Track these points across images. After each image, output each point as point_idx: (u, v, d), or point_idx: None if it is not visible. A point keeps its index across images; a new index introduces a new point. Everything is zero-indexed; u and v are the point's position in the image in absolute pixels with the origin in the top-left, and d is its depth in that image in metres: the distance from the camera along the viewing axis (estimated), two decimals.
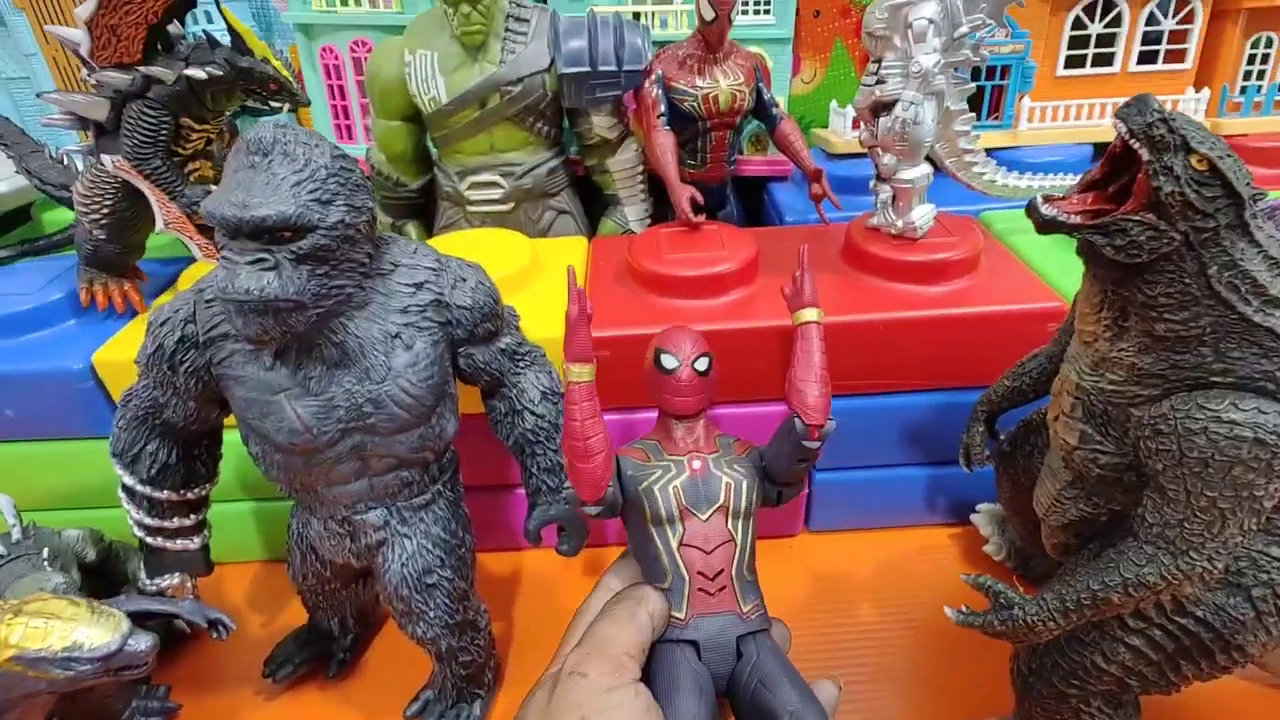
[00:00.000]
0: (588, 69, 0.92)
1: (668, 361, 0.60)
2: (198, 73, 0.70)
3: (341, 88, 1.09)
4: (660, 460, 0.60)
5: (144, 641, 0.51)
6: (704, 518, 0.58)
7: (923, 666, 0.78)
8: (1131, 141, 0.42)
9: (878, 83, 0.76)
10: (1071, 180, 0.93)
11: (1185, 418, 0.46)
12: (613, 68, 0.93)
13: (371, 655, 0.83)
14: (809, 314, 0.64)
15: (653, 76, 0.94)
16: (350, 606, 0.79)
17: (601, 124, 1.00)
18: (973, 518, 0.90)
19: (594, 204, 1.10)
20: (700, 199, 0.89)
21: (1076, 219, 0.44)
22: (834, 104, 1.17)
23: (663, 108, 0.94)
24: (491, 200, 0.99)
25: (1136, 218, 0.43)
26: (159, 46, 0.71)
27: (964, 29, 0.71)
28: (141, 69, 0.70)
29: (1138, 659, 0.55)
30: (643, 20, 1.03)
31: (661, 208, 1.11)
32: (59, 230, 1.02)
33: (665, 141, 0.92)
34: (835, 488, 0.91)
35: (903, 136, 0.75)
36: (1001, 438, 0.75)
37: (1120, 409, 0.50)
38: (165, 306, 0.58)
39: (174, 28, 0.72)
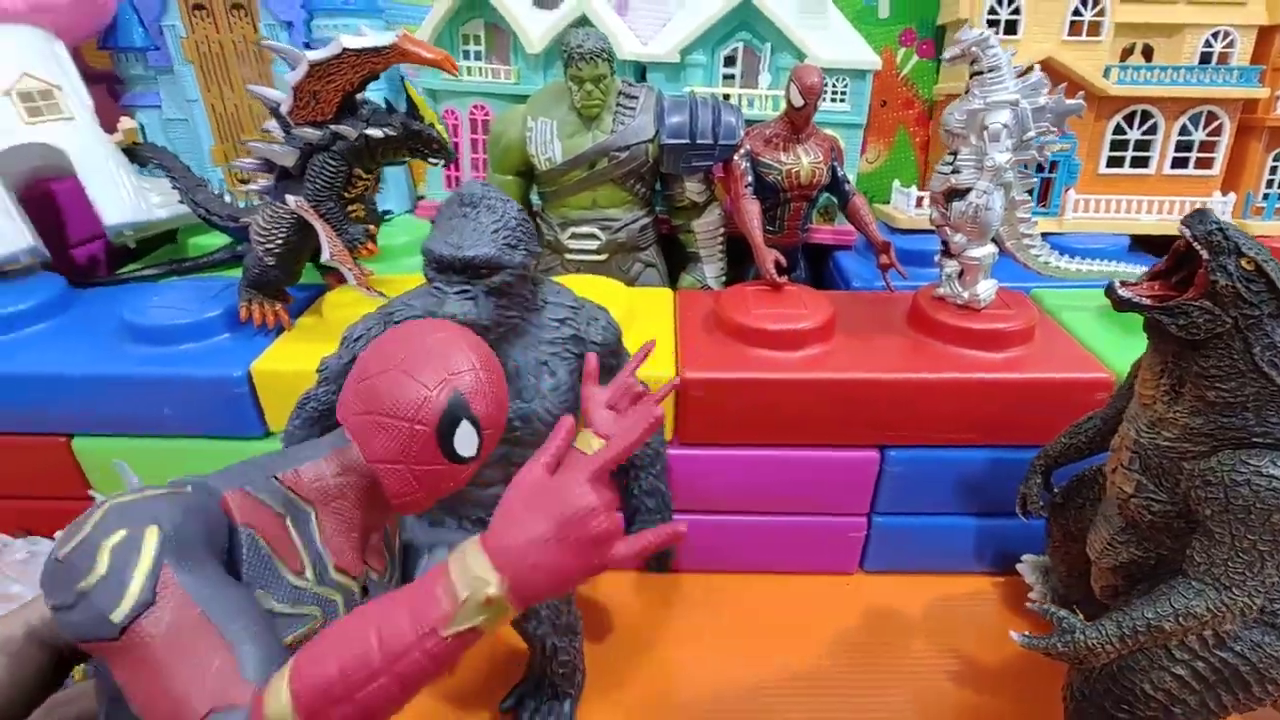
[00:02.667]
0: (687, 141, 1.05)
1: (465, 444, 0.43)
2: (376, 132, 0.83)
3: (457, 144, 1.22)
4: (323, 580, 0.42)
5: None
6: None
7: (966, 700, 0.84)
8: (1194, 244, 0.53)
9: (953, 172, 0.88)
10: (1114, 266, 1.04)
11: (1231, 471, 0.55)
12: (709, 141, 1.05)
13: (466, 655, 0.90)
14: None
15: (742, 150, 1.07)
16: None
17: (693, 189, 1.12)
18: (1018, 566, 0.97)
19: (674, 260, 1.22)
20: (784, 262, 1.00)
21: (1148, 301, 0.55)
22: (897, 184, 1.30)
23: (749, 178, 1.06)
24: (588, 250, 1.11)
25: (1197, 304, 0.53)
26: (345, 108, 0.84)
27: (1032, 134, 0.83)
28: (331, 126, 0.82)
29: (1182, 688, 0.62)
30: (732, 101, 1.16)
31: (734, 268, 1.23)
32: (204, 254, 1.14)
33: (752, 209, 1.04)
34: (892, 531, 0.99)
35: (974, 219, 0.86)
36: (1055, 491, 0.84)
37: (1173, 462, 0.59)
38: (358, 325, 0.69)
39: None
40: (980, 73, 0.83)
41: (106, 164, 1.02)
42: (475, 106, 1.22)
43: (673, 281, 1.20)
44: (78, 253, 1.18)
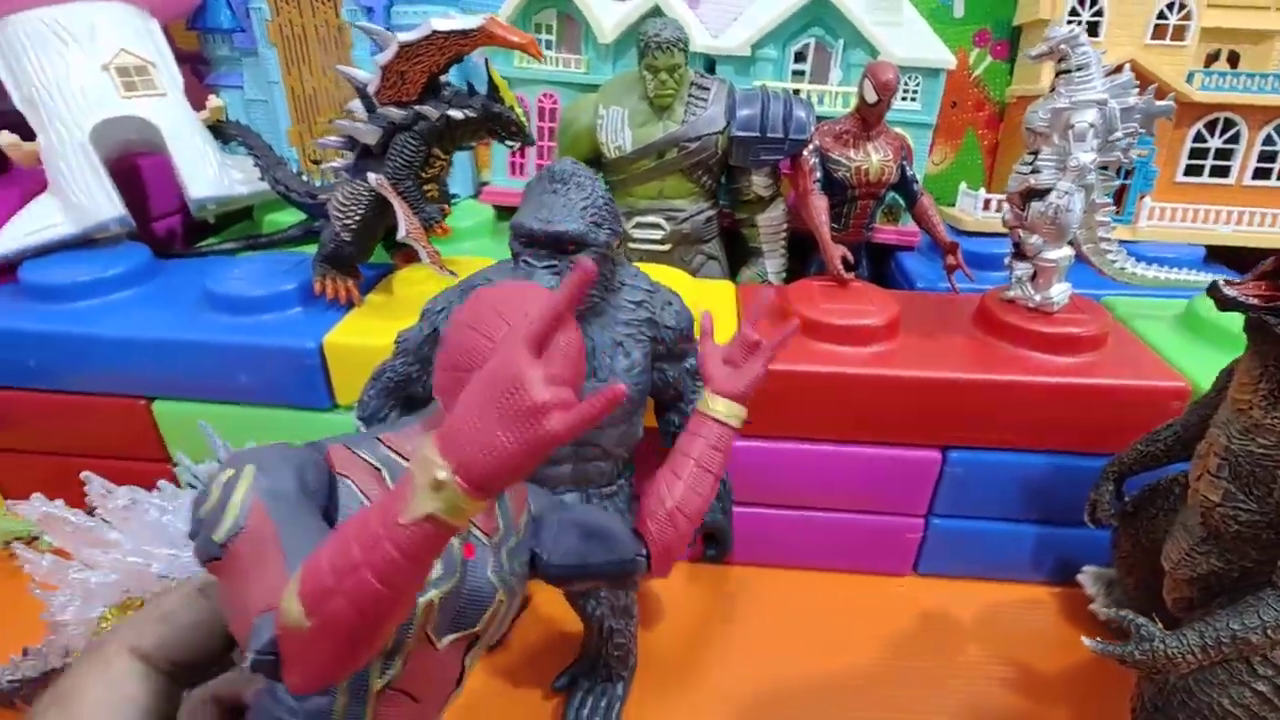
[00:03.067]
0: (757, 134, 1.05)
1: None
2: (457, 114, 0.85)
3: None
4: None
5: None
6: (440, 645, 0.42)
7: (1021, 709, 0.83)
8: None
9: (1033, 171, 0.86)
10: (1192, 275, 1.01)
11: None
12: (779, 135, 1.05)
13: (520, 634, 0.91)
14: (724, 408, 0.52)
15: (811, 146, 1.06)
16: None
17: (759, 183, 1.12)
18: (1079, 577, 0.95)
19: (734, 254, 1.22)
20: (851, 258, 1.00)
21: (1255, 300, 0.53)
22: (964, 186, 1.28)
23: (818, 174, 1.06)
24: (653, 240, 1.11)
25: None
26: (429, 90, 0.86)
27: (1118, 135, 0.81)
28: (415, 107, 0.84)
29: (1262, 704, 0.60)
30: (801, 96, 1.15)
31: (795, 264, 1.22)
32: (278, 231, 1.18)
33: (820, 204, 1.04)
34: (949, 534, 0.98)
35: (1053, 221, 0.85)
36: (1126, 499, 0.82)
37: (1267, 470, 0.58)
38: (439, 298, 0.71)
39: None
40: (1068, 71, 0.81)
41: (195, 140, 1.06)
42: (544, 94, 1.23)
43: (733, 275, 1.20)
44: (157, 226, 1.23)
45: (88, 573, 0.61)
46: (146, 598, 0.61)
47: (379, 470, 0.43)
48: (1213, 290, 0.54)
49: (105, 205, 1.00)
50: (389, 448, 0.44)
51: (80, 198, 0.98)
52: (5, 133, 0.98)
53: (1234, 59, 1.21)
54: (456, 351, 0.44)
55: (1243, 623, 0.57)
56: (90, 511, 0.63)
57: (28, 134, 0.99)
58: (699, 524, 0.51)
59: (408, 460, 0.44)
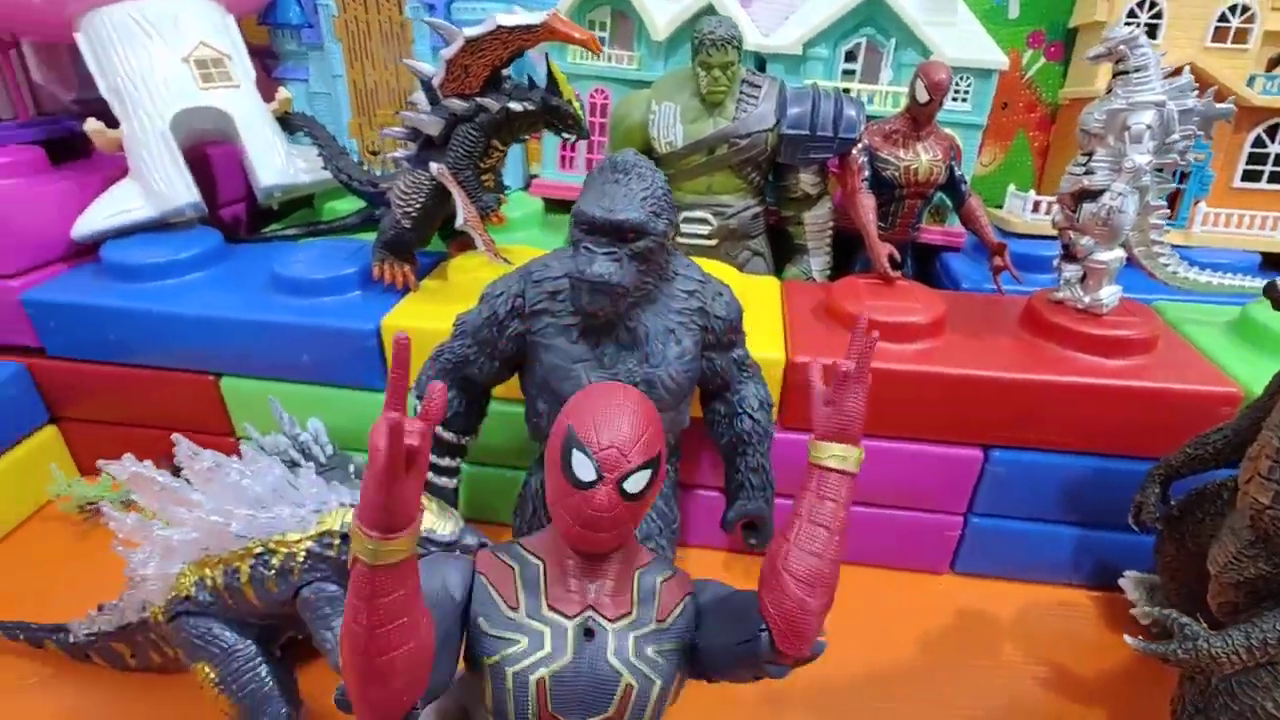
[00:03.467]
0: (807, 132, 1.06)
1: (581, 469, 0.44)
2: (517, 106, 0.88)
3: None
4: (533, 614, 0.46)
5: (471, 539, 0.64)
6: None
7: (1059, 710, 0.83)
8: None
9: (1086, 173, 0.86)
10: (1247, 281, 1.00)
11: None
12: (829, 134, 1.06)
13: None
14: (840, 453, 0.45)
15: (861, 145, 1.07)
16: None
17: (807, 180, 1.13)
18: (1121, 582, 0.94)
19: (779, 252, 1.23)
20: (898, 256, 1.01)
21: None
22: (1012, 187, 1.27)
23: (866, 173, 1.07)
24: (699, 235, 1.13)
25: None
26: (490, 83, 0.89)
27: (1176, 137, 0.81)
28: (477, 99, 0.87)
29: None
30: (852, 95, 1.16)
31: (839, 262, 1.23)
32: (337, 218, 1.22)
33: (868, 203, 1.05)
34: (988, 534, 0.98)
35: (1106, 222, 0.84)
36: (1172, 503, 0.82)
37: None
38: (499, 283, 0.73)
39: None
40: (1125, 72, 0.81)
41: (264, 130, 1.11)
42: (595, 90, 1.26)
43: (777, 272, 1.21)
44: (224, 212, 1.28)
45: (170, 530, 0.65)
46: (223, 555, 0.65)
47: (511, 568, 0.48)
48: (1270, 289, 0.54)
49: (182, 191, 1.05)
50: (524, 548, 0.50)
51: (159, 184, 1.04)
52: (92, 120, 1.03)
53: None
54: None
55: None
56: (176, 473, 0.67)
57: (110, 122, 1.05)
58: (824, 591, 0.44)
59: (539, 558, 0.49)
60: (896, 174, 1.07)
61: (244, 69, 1.11)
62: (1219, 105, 0.83)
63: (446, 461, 0.83)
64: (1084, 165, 0.87)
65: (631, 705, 0.46)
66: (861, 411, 0.45)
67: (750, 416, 0.81)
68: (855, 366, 0.45)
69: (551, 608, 0.47)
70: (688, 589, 0.50)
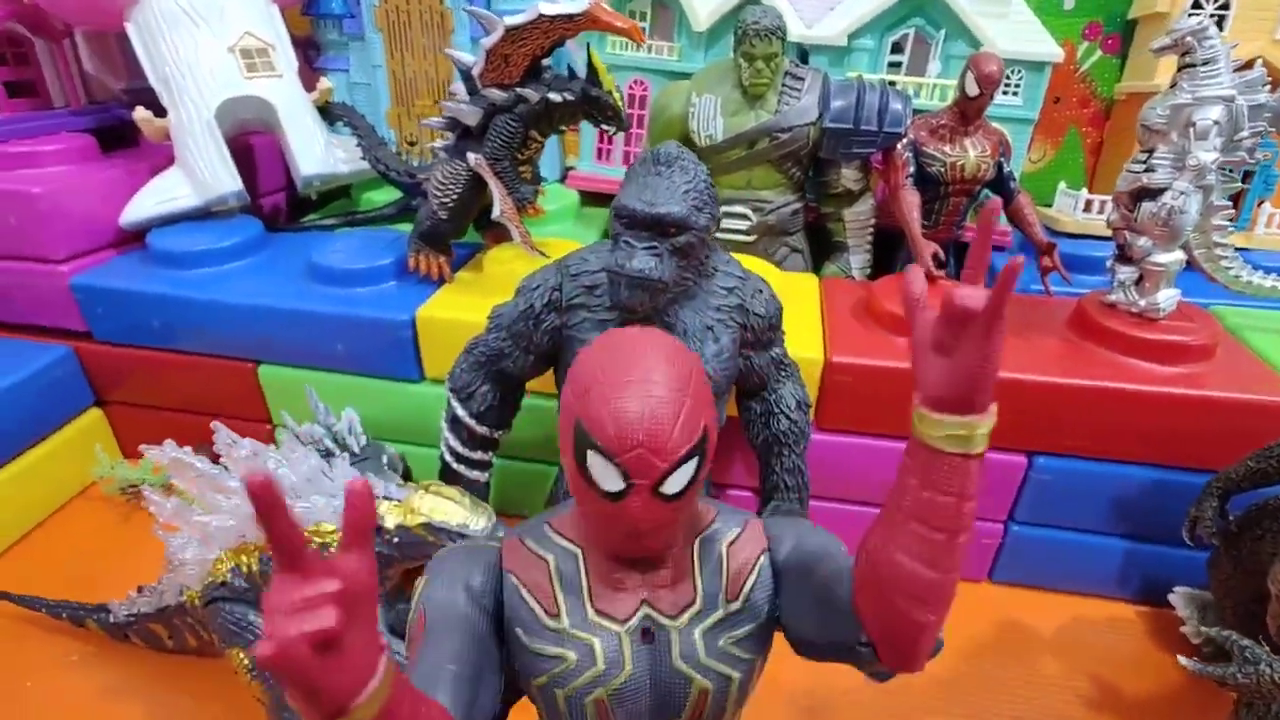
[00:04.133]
0: (850, 126, 1.03)
1: (603, 477, 0.35)
2: (557, 97, 0.87)
3: None
4: (578, 623, 0.39)
5: (505, 533, 0.64)
6: None
7: None
8: None
9: (1146, 170, 0.83)
10: None
11: None
12: (874, 128, 1.03)
13: None
14: (960, 430, 0.31)
15: (905, 140, 1.04)
16: None
17: (849, 176, 1.11)
18: (1171, 597, 0.91)
19: (817, 249, 1.20)
20: (942, 255, 0.98)
21: None
22: (1063, 185, 1.23)
23: (911, 169, 1.04)
24: (738, 230, 1.11)
25: None
26: (530, 73, 0.88)
27: (1245, 134, 0.77)
28: (517, 89, 0.86)
29: None
30: (898, 88, 1.13)
31: (879, 260, 1.20)
32: (374, 209, 1.23)
33: (912, 200, 1.02)
34: (1029, 542, 0.95)
35: (1166, 223, 0.81)
36: (1230, 518, 0.78)
37: None
38: (535, 276, 0.73)
39: None
40: (1192, 65, 0.77)
41: (306, 120, 1.12)
42: (634, 81, 1.25)
43: (816, 270, 1.19)
44: (265, 201, 1.30)
45: (209, 516, 0.66)
46: (259, 542, 0.66)
47: (544, 560, 0.41)
48: None
49: (226, 180, 1.06)
50: (556, 531, 0.42)
51: (204, 173, 1.05)
52: (140, 109, 1.05)
53: None
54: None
55: None
56: (215, 460, 0.68)
57: (158, 111, 1.07)
58: (941, 605, 0.34)
59: (575, 544, 0.41)
60: (942, 170, 1.04)
61: (287, 59, 1.12)
62: None
63: (479, 455, 0.82)
64: (1144, 163, 0.83)
65: (709, 707, 0.40)
66: (996, 366, 0.30)
67: (787, 417, 0.79)
68: (990, 301, 0.29)
69: (599, 611, 0.39)
70: (761, 544, 0.41)
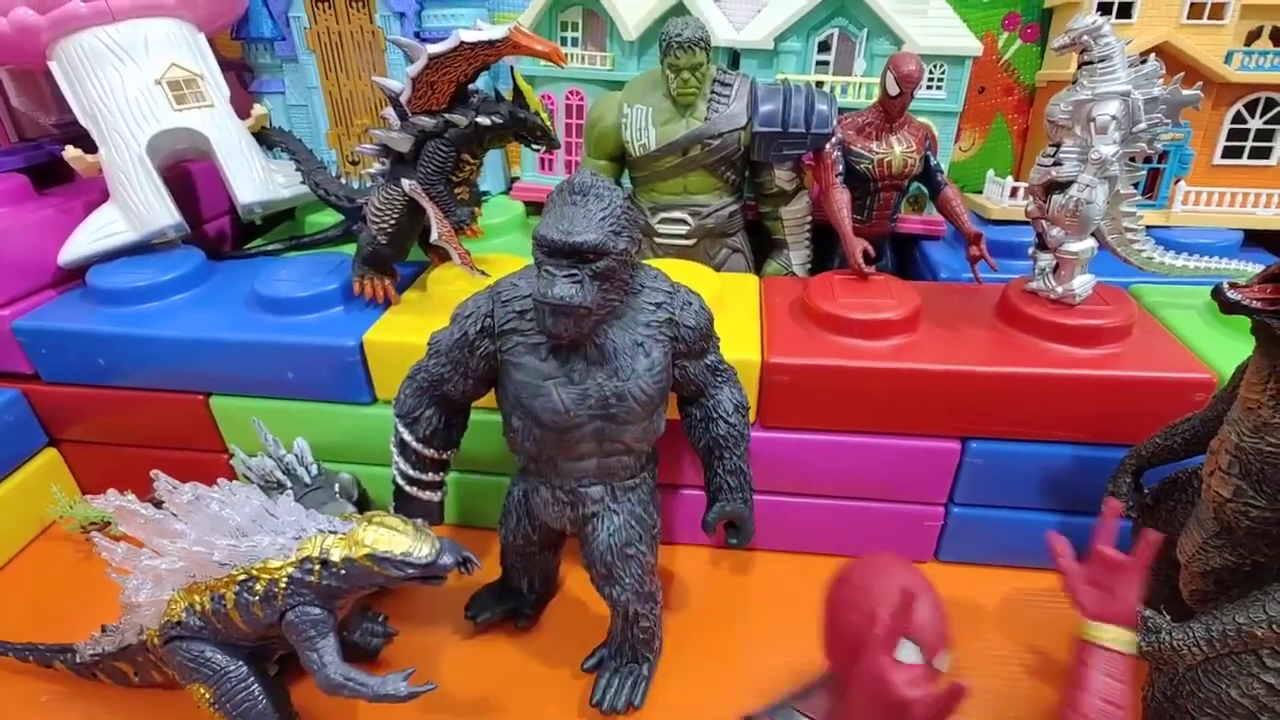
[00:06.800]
0: (779, 129, 1.06)
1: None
2: (485, 120, 0.88)
3: None
4: None
5: (449, 557, 0.66)
6: None
7: (1042, 694, 0.84)
8: None
9: (1054, 164, 0.86)
10: (1224, 263, 1.00)
11: None
12: (801, 130, 1.06)
13: (550, 616, 0.96)
14: (1113, 635, 0.53)
15: (834, 139, 1.07)
16: (539, 570, 0.93)
17: (782, 177, 1.13)
18: None
19: (759, 246, 1.23)
20: (873, 252, 1.01)
21: (1258, 304, 0.54)
22: (991, 173, 1.27)
23: (840, 168, 1.07)
24: (677, 235, 1.14)
25: None
26: (457, 97, 0.89)
27: (1143, 125, 0.81)
28: (445, 115, 0.88)
29: (1270, 694, 0.61)
30: (825, 88, 1.16)
31: (820, 255, 1.23)
32: (319, 230, 1.23)
33: (842, 198, 1.05)
34: (969, 522, 0.99)
35: (1074, 214, 0.85)
36: (1145, 492, 0.83)
37: (1275, 468, 0.58)
38: (468, 303, 0.74)
39: None
40: (1090, 62, 0.81)
41: (240, 147, 1.12)
42: (570, 91, 1.26)
43: (758, 268, 1.21)
44: (209, 228, 1.30)
45: (157, 560, 0.67)
46: (209, 582, 0.67)
47: None
48: (1216, 294, 0.55)
49: (162, 213, 1.06)
50: (803, 714, 0.56)
51: (139, 206, 1.05)
52: (70, 147, 1.04)
53: (1276, 35, 1.17)
54: (843, 631, 0.55)
55: (1248, 616, 0.59)
56: (158, 504, 0.69)
57: (90, 146, 1.06)
58: None
59: None
60: (870, 167, 1.07)
61: (217, 87, 1.12)
62: (1186, 92, 0.82)
63: (430, 476, 0.84)
64: (1052, 156, 0.87)
65: None
66: (1139, 598, 0.49)
67: (726, 421, 0.82)
68: (1136, 559, 0.50)
69: None
70: None
